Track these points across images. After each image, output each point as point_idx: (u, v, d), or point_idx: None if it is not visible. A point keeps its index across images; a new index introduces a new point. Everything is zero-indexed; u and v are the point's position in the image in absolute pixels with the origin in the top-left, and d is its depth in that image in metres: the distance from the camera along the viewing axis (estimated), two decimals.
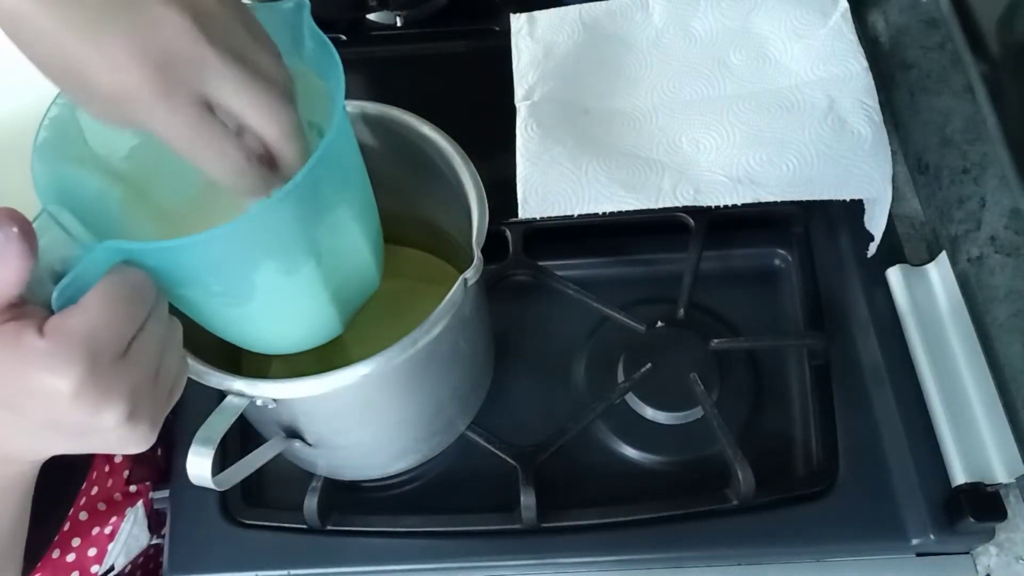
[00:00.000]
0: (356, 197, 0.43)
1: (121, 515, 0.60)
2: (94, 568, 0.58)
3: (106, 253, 0.31)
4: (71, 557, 0.57)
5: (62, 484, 0.56)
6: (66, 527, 0.56)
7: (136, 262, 0.33)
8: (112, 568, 0.60)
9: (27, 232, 0.28)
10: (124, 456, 0.61)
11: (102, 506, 0.59)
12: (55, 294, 0.30)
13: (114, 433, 0.32)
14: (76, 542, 0.57)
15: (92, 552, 0.58)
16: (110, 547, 0.59)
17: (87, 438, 0.32)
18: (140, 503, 0.62)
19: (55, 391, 0.29)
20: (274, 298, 0.41)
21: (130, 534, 0.61)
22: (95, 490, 0.59)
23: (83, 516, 0.58)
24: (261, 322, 0.43)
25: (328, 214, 0.40)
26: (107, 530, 0.59)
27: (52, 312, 0.30)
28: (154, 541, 0.64)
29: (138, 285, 0.32)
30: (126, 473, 0.62)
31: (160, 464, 0.65)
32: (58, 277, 0.31)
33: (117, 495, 0.61)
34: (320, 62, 0.40)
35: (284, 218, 0.37)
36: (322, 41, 0.39)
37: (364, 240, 0.44)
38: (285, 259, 0.39)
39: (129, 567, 0.62)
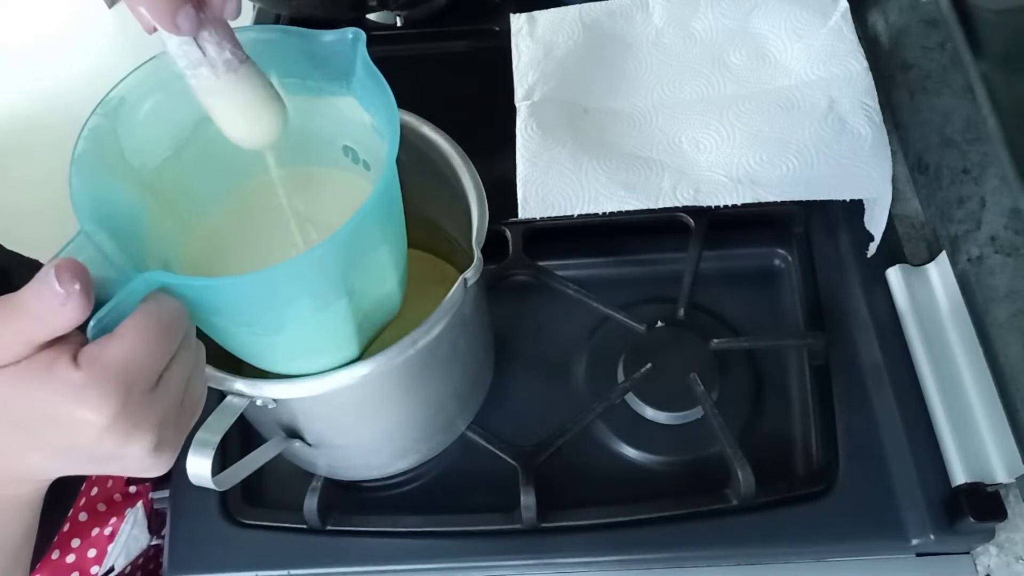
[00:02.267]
0: (395, 235, 0.43)
1: (121, 516, 0.60)
2: (94, 569, 0.58)
3: (145, 284, 0.31)
4: (71, 558, 0.57)
5: (62, 484, 0.56)
6: (66, 528, 0.56)
7: (172, 291, 0.32)
8: (112, 569, 0.60)
9: (87, 287, 0.27)
10: None
11: (102, 507, 0.59)
12: (91, 323, 0.29)
13: (138, 462, 0.31)
14: (76, 543, 0.57)
15: (92, 553, 0.58)
16: (110, 548, 0.59)
17: (106, 464, 0.32)
18: (140, 504, 0.62)
19: (86, 423, 0.29)
20: (302, 331, 0.41)
21: (130, 535, 0.61)
22: (95, 491, 0.59)
23: (83, 517, 0.58)
24: (283, 350, 0.43)
25: (368, 255, 0.40)
26: (107, 531, 0.59)
27: (85, 337, 0.30)
28: (154, 542, 0.64)
29: (173, 315, 0.32)
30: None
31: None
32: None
33: (117, 496, 0.61)
34: (369, 98, 0.40)
35: (329, 261, 0.37)
36: (378, 80, 0.38)
37: (394, 273, 0.44)
38: (320, 297, 0.39)
39: (129, 568, 0.62)
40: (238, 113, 0.39)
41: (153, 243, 0.40)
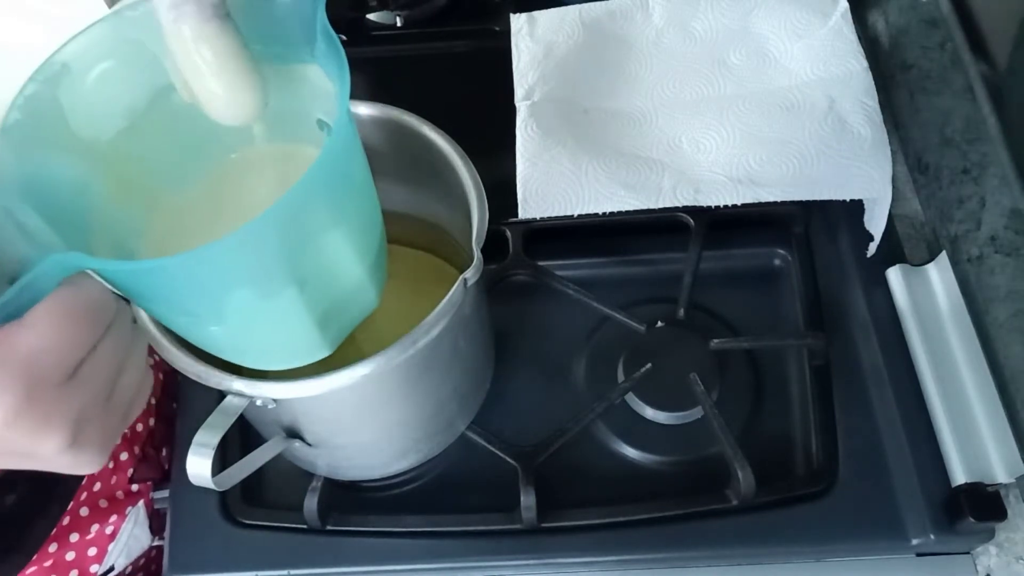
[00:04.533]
0: (355, 218, 0.39)
1: (122, 514, 0.60)
2: (93, 567, 0.58)
3: (58, 267, 0.28)
4: (70, 555, 0.57)
5: (62, 476, 0.56)
6: (65, 521, 0.56)
7: (97, 274, 0.30)
8: (112, 568, 0.60)
9: None
10: (129, 454, 0.61)
11: (103, 503, 0.59)
12: None
13: (53, 460, 0.30)
14: (75, 538, 0.57)
15: (92, 551, 0.58)
16: (110, 547, 0.59)
17: (21, 460, 0.30)
18: (142, 503, 0.62)
19: None
20: (248, 321, 0.38)
21: (131, 534, 0.61)
22: (97, 486, 0.59)
23: (84, 512, 0.58)
24: (236, 341, 0.40)
25: (318, 238, 0.36)
26: (108, 529, 0.59)
27: None
28: (155, 542, 0.64)
29: (93, 302, 0.29)
30: (130, 471, 0.61)
31: (164, 464, 0.65)
32: (11, 280, 0.28)
33: (119, 493, 0.61)
34: (329, 65, 0.37)
35: (264, 244, 0.33)
36: (334, 45, 0.36)
37: (359, 263, 0.41)
38: (262, 285, 0.36)
39: (129, 568, 0.62)
40: (216, 76, 0.36)
41: (105, 221, 0.38)
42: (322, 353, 0.43)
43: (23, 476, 0.50)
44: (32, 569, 0.54)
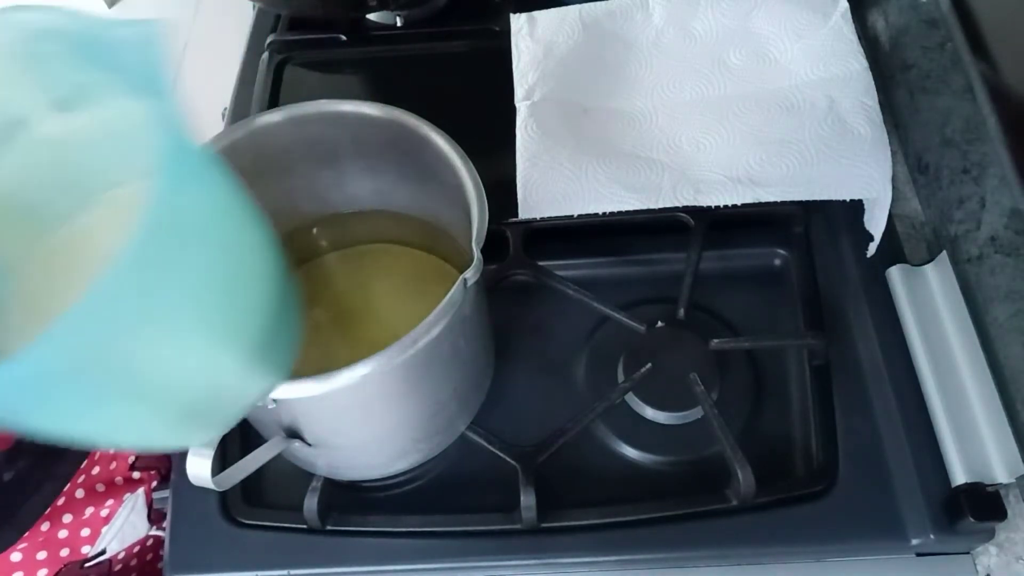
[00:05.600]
0: (207, 298, 0.31)
1: (119, 499, 0.60)
2: (85, 548, 0.58)
3: None
4: (63, 533, 0.57)
5: (61, 457, 0.56)
6: (60, 502, 0.56)
7: None
8: (104, 551, 0.60)
9: None
10: None
11: (100, 487, 0.59)
12: None
13: None
14: (68, 518, 0.57)
15: (85, 532, 0.58)
16: (104, 530, 0.59)
17: None
18: (141, 491, 0.62)
19: None
20: (85, 429, 0.31)
21: (126, 521, 0.61)
22: (96, 470, 0.59)
23: (79, 494, 0.58)
24: (99, 438, 0.34)
25: (150, 339, 0.29)
26: (103, 512, 0.59)
27: None
28: (154, 531, 0.64)
29: None
30: (132, 458, 0.61)
31: (169, 453, 0.65)
32: None
33: (118, 479, 0.61)
34: (154, 112, 0.29)
35: (58, 370, 0.26)
36: (163, 93, 0.28)
37: (228, 351, 0.33)
38: (65, 404, 0.28)
39: (124, 554, 0.62)
40: None
41: None
42: (200, 439, 0.38)
43: (26, 453, 0.51)
44: (24, 545, 0.54)
